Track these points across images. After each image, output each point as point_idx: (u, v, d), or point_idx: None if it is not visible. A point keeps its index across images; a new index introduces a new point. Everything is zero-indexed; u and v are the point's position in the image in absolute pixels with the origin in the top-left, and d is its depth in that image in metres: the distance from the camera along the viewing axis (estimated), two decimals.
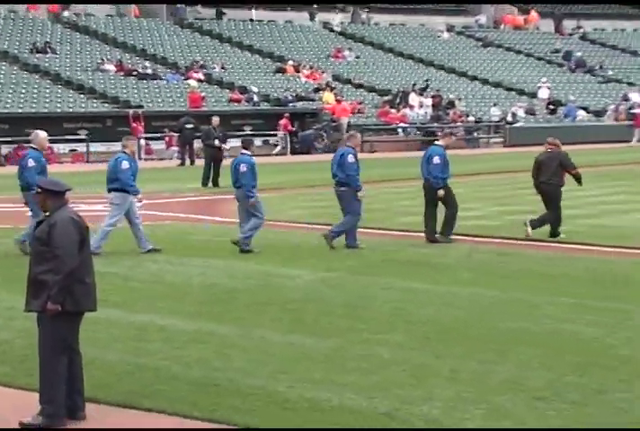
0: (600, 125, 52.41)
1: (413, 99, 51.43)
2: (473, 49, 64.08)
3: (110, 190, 18.13)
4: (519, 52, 64.62)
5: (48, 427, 8.40)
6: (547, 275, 15.50)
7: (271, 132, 46.22)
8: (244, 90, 48.49)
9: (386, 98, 51.44)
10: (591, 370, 9.94)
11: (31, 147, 18.51)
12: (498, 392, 9.19)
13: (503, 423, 8.35)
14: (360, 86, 53.42)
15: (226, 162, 30.32)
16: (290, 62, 53.34)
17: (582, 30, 71.12)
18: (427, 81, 54.29)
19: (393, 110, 50.01)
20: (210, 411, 8.78)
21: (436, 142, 19.47)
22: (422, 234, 18.73)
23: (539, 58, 64.24)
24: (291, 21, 61.04)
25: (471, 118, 51.67)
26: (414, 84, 53.18)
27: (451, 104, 51.92)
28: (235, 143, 38.77)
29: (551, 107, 54.95)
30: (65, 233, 8.46)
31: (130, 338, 11.23)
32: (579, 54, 64.95)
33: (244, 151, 18.61)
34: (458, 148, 47.49)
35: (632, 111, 52.76)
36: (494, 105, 53.10)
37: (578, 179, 19.67)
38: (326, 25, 61.84)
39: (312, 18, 61.65)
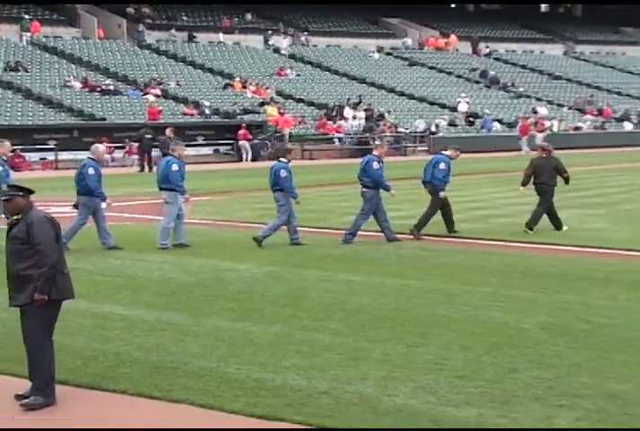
0: (513, 135, 52.75)
1: (348, 112, 51.55)
2: (400, 68, 64.32)
3: (161, 189, 18.39)
4: (440, 71, 64.95)
5: (48, 405, 8.45)
6: (466, 267, 15.60)
7: (221, 141, 46.14)
8: (196, 104, 48.39)
9: (323, 111, 51.50)
10: (504, 351, 10.01)
11: (90, 158, 18.40)
12: (423, 372, 9.24)
13: (428, 398, 8.40)
14: (300, 101, 53.47)
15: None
16: (238, 79, 53.27)
17: (495, 52, 71.66)
18: (360, 96, 54.32)
19: (330, 122, 50.10)
20: (168, 391, 8.76)
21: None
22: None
23: (458, 76, 64.62)
24: (239, 43, 60.93)
25: (401, 129, 51.82)
26: (349, 99, 53.26)
27: (381, 117, 52.09)
28: (190, 151, 38.99)
29: (469, 119, 55.27)
30: (43, 230, 8.51)
31: (95, 327, 11.18)
32: (493, 72, 65.45)
33: (282, 159, 18.69)
34: (389, 156, 47.71)
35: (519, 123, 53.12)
36: (420, 117, 53.37)
37: (567, 180, 20.46)
38: (270, 47, 61.78)
39: (266, 41, 61.57)
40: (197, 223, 21.23)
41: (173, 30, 59.89)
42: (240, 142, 45.49)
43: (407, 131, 51.86)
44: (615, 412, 8.03)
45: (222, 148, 46.24)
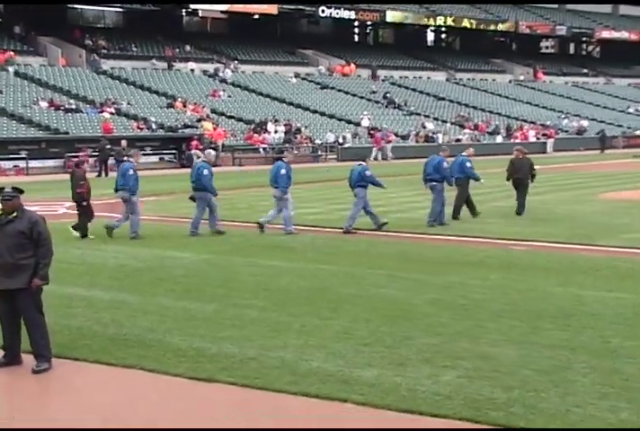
0: (406, 145, 53.11)
1: (270, 126, 51.48)
2: (314, 91, 64.30)
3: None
4: (346, 93, 65.05)
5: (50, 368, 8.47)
6: (369, 254, 15.67)
7: (165, 151, 45.76)
8: (144, 120, 47.94)
9: (250, 126, 51.37)
10: (400, 322, 10.08)
11: (203, 161, 18.90)
12: (334, 340, 9.27)
13: (338, 361, 8.42)
14: (231, 117, 53.21)
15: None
16: (179, 99, 52.90)
17: (391, 78, 72.03)
18: (275, 116, 54.23)
19: (256, 135, 49.98)
20: (122, 359, 8.69)
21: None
22: (278, 226, 18.70)
23: (361, 97, 64.76)
24: (179, 70, 60.48)
25: (318, 141, 51.92)
26: (273, 116, 53.23)
27: (298, 130, 52.08)
28: (141, 159, 38.54)
29: (370, 132, 55.43)
30: (46, 228, 8.53)
31: (61, 306, 11.03)
32: (389, 94, 65.76)
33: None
34: (306, 163, 47.76)
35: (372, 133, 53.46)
36: (330, 131, 53.42)
37: (534, 177, 21.72)
38: (206, 73, 61.41)
39: (216, 73, 61.07)
40: (146, 219, 21.02)
41: (154, 60, 59.79)
42: (193, 150, 45.31)
43: (320, 142, 51.94)
44: (488, 370, 8.14)
45: (166, 157, 45.97)
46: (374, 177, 18.93)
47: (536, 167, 21.97)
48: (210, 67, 62.60)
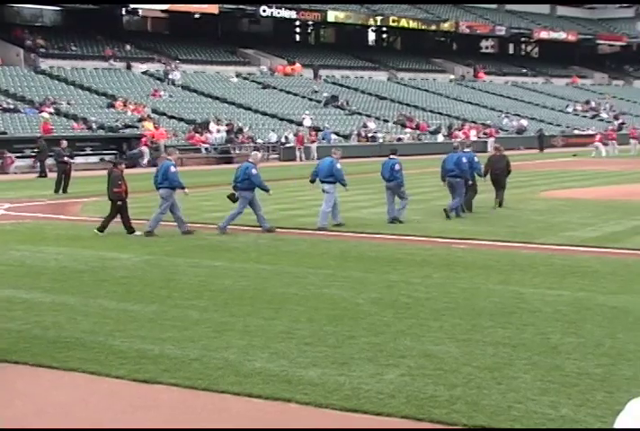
0: (349, 145, 53.21)
1: (212, 126, 51.26)
2: (255, 90, 64.19)
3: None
4: (288, 92, 65.06)
5: None
6: (310, 254, 15.70)
7: (105, 151, 45.32)
8: (84, 120, 47.48)
9: (192, 126, 51.12)
10: (343, 321, 10.11)
11: (250, 161, 19.04)
12: (277, 340, 9.27)
13: (282, 361, 8.42)
14: (172, 117, 52.89)
15: (76, 174, 29.71)
16: (120, 99, 52.47)
17: (332, 77, 72.20)
18: (216, 116, 54.04)
19: (197, 135, 49.75)
20: (64, 362, 8.59)
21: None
22: (212, 225, 18.65)
23: (303, 97, 64.80)
24: (120, 69, 59.97)
25: (260, 141, 51.83)
26: (215, 116, 53.05)
27: (240, 130, 51.94)
28: (80, 160, 38.24)
29: (313, 132, 55.48)
30: None
31: (0, 309, 10.87)
32: (331, 94, 65.88)
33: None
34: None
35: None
36: (272, 131, 53.37)
37: (509, 172, 23.19)
38: (147, 72, 61.00)
39: (166, 75, 60.52)
40: (86, 220, 20.85)
41: (112, 61, 59.21)
42: (142, 147, 45.13)
43: (262, 142, 51.86)
44: (431, 368, 8.19)
45: (107, 157, 45.48)
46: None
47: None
48: (151, 67, 62.20)
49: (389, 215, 19.94)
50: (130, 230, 18.40)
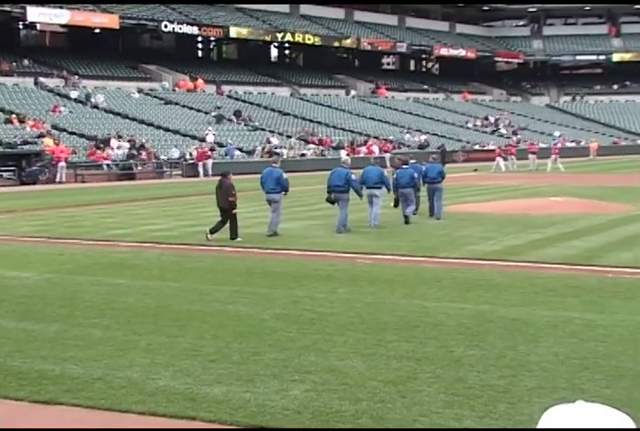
0: (251, 161, 53.20)
1: (114, 142, 50.73)
2: (157, 106, 63.76)
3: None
4: (191, 108, 64.79)
5: None
6: (215, 270, 15.61)
7: (3, 168, 44.41)
8: None
9: (93, 142, 50.49)
10: (249, 338, 10.07)
11: (342, 166, 21.54)
12: (181, 358, 9.18)
13: (186, 379, 8.34)
14: (73, 133, 52.18)
15: None
16: (16, 115, 51.53)
17: (235, 93, 72.19)
18: (118, 132, 53.51)
19: (99, 151, 49.14)
20: None
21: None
22: (123, 243, 18.44)
23: (206, 112, 64.61)
24: (17, 84, 58.90)
25: (162, 157, 51.46)
26: (116, 132, 52.49)
27: (142, 146, 51.50)
28: None
29: (212, 148, 55.27)
30: None
31: None
32: (232, 110, 65.83)
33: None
34: (151, 179, 47.33)
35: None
36: (175, 147, 53.06)
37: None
38: (46, 87, 60.05)
39: (74, 88, 59.60)
40: None
41: (12, 76, 58.16)
42: (60, 163, 44.50)
43: (165, 158, 51.51)
44: (336, 383, 8.21)
45: (5, 174, 44.59)
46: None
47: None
48: (50, 82, 61.27)
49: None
50: (234, 236, 19.48)
